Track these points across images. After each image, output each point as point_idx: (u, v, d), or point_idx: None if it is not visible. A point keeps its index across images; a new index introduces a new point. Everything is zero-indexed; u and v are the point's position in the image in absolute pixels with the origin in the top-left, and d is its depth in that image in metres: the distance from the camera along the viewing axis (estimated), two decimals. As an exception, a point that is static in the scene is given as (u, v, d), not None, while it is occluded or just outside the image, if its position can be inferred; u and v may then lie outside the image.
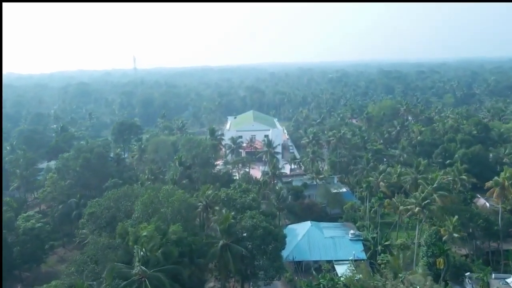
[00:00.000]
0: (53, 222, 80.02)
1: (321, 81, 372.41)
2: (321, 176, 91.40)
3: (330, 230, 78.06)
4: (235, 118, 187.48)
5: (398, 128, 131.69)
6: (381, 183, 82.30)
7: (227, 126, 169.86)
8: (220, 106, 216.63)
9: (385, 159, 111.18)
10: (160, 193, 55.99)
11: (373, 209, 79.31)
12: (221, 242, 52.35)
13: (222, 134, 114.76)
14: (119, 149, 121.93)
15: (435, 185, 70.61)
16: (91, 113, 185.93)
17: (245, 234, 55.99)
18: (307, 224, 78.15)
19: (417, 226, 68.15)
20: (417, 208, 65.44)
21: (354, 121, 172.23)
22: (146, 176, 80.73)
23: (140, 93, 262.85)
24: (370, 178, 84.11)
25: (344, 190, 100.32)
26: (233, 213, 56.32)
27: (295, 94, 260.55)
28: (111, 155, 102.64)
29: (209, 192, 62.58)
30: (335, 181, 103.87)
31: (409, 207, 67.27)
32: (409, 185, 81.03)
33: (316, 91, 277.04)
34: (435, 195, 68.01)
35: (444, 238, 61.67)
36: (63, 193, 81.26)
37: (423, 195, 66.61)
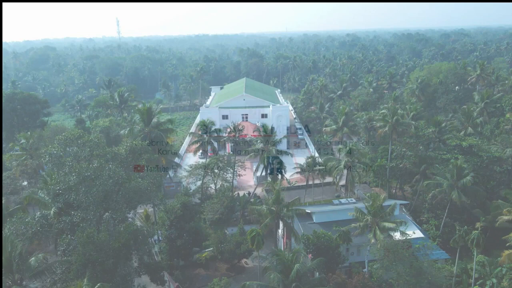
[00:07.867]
0: None
1: (331, 46, 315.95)
2: (391, 231, 39.66)
3: None
4: (221, 88, 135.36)
5: (481, 105, 79.84)
6: None
7: (209, 100, 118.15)
8: (205, 73, 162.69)
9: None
10: None
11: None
12: None
13: (171, 121, 59.79)
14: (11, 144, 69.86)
15: None
16: (15, 81, 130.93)
17: None
18: None
19: None
20: None
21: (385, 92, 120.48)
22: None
23: (105, 58, 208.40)
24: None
25: (421, 234, 50.02)
26: None
27: (302, 59, 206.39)
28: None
29: None
30: (396, 212, 53.28)
31: None
32: None
33: (328, 55, 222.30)
34: None
35: None
36: None
37: None
